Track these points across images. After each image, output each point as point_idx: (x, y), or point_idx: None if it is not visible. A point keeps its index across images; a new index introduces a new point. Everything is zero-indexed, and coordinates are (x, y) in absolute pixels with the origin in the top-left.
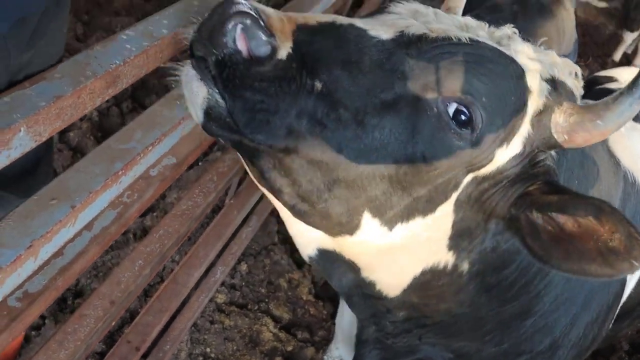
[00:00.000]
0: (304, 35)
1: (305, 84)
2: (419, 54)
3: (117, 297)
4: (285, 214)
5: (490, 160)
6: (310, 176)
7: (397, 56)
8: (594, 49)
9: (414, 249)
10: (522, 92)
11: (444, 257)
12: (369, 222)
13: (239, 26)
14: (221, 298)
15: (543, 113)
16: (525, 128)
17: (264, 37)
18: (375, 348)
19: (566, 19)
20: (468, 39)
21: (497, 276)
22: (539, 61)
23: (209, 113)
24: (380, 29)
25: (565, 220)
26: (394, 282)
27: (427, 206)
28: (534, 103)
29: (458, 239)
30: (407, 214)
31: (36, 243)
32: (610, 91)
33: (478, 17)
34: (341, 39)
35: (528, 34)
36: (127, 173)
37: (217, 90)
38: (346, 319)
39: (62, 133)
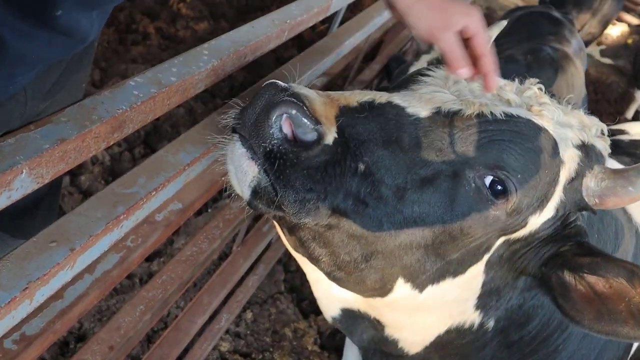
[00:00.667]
0: (346, 118)
1: (349, 167)
2: (455, 132)
3: (116, 342)
4: (313, 277)
5: (524, 226)
6: (349, 249)
7: (434, 134)
8: (606, 106)
9: (441, 308)
10: (555, 164)
11: (471, 317)
12: (401, 286)
13: (284, 115)
14: (225, 346)
15: (575, 179)
16: (557, 195)
17: (310, 125)
18: None
19: (575, 75)
20: (503, 115)
21: (521, 332)
22: (569, 126)
23: (257, 192)
24: (418, 105)
25: (595, 281)
26: (418, 340)
27: (458, 268)
28: (566, 172)
29: (486, 298)
30: (438, 277)
31: (32, 285)
32: (619, 143)
33: None
34: (381, 119)
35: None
36: (129, 217)
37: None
38: None
39: (74, 176)
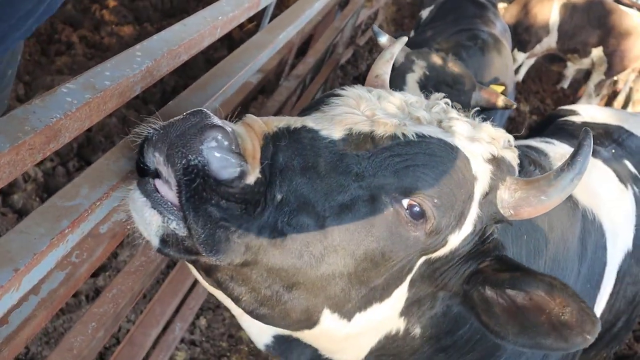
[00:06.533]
0: (265, 149)
1: (267, 199)
2: (370, 156)
3: None
4: (237, 311)
5: (444, 245)
6: (269, 282)
7: (349, 158)
8: (538, 85)
9: (370, 329)
10: (470, 181)
11: (396, 324)
12: (327, 317)
13: (213, 142)
14: (181, 356)
15: (489, 193)
16: (474, 210)
17: (235, 160)
18: None
19: (507, 57)
20: (415, 136)
21: (452, 337)
22: (477, 140)
23: (165, 240)
24: (330, 127)
25: (516, 294)
26: (353, 356)
27: (384, 293)
28: (480, 187)
29: (408, 307)
30: (365, 304)
31: None
32: (572, 123)
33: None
34: (298, 145)
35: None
36: (74, 231)
37: (171, 217)
38: None
39: (5, 196)
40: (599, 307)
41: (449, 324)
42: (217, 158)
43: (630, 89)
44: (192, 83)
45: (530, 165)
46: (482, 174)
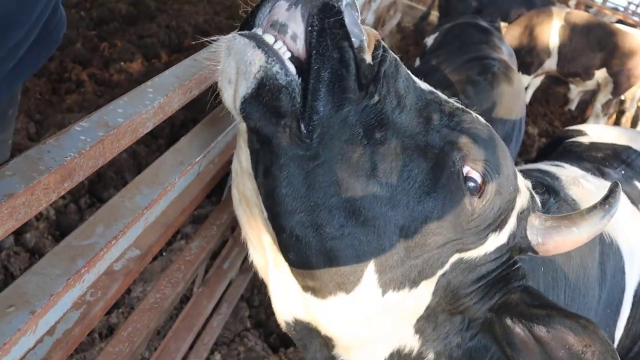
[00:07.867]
0: (376, 49)
1: (368, 90)
2: (450, 115)
3: None
4: (272, 254)
5: (482, 244)
6: (332, 193)
7: (432, 107)
8: (545, 107)
9: (388, 322)
10: (514, 188)
11: (410, 341)
12: (370, 276)
13: (348, 3)
14: None
15: (524, 213)
16: (512, 221)
17: (358, 31)
18: None
19: (519, 81)
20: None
21: None
22: None
23: (262, 85)
24: (418, 81)
25: (534, 327)
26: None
27: (416, 279)
28: (520, 201)
29: (424, 322)
30: (400, 283)
31: None
32: (580, 144)
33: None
34: (397, 69)
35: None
36: (90, 270)
37: (275, 58)
38: None
39: (18, 235)
40: (619, 333)
41: (462, 358)
42: (350, 18)
43: (638, 107)
44: (199, 116)
45: (545, 193)
46: (523, 190)
